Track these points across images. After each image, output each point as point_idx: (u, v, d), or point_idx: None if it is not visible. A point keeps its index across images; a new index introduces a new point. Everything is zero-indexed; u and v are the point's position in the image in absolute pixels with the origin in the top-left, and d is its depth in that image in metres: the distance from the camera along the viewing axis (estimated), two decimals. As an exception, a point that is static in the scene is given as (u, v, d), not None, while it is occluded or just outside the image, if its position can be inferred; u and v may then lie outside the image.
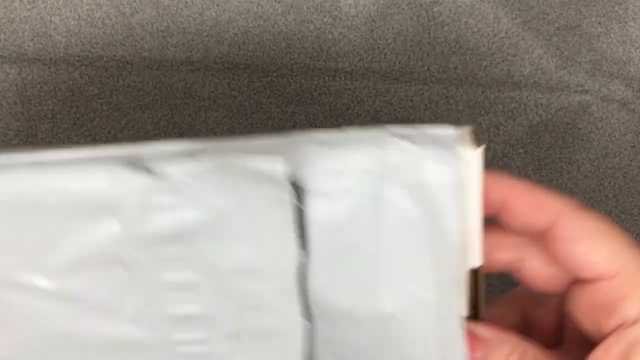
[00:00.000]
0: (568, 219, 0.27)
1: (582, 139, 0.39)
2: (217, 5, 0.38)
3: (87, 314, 0.25)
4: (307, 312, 0.26)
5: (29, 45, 0.38)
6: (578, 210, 0.28)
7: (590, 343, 0.29)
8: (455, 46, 0.38)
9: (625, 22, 0.39)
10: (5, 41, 0.38)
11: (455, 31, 0.38)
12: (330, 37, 0.38)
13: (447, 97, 0.38)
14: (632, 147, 0.39)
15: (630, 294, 0.28)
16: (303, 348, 0.26)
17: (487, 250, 0.26)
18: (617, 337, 0.29)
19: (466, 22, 0.38)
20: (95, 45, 0.37)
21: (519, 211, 0.28)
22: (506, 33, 0.38)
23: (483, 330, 0.30)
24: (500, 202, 0.27)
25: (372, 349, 0.26)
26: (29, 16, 0.38)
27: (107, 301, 0.25)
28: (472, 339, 0.30)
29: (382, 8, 0.38)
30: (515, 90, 0.38)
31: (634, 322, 0.28)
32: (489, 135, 0.38)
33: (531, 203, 0.27)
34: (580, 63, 0.38)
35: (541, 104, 0.38)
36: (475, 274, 0.26)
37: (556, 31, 0.38)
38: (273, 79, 0.38)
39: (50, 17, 0.38)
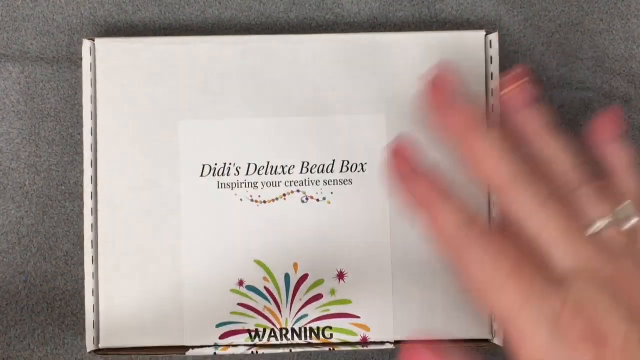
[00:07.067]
0: None
1: (584, 136, 0.38)
2: (220, 3, 0.38)
3: None
4: None
5: (31, 44, 0.38)
6: None
7: None
8: (457, 43, 0.38)
9: (628, 19, 0.38)
10: (8, 40, 0.38)
11: (457, 28, 0.38)
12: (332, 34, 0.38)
13: (449, 94, 0.38)
14: (634, 143, 0.39)
15: None
16: None
17: None
18: None
19: (468, 19, 0.38)
20: (97, 44, 0.38)
21: None
22: (508, 30, 0.38)
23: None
24: None
25: None
26: (32, 15, 0.38)
27: None
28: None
29: (384, 5, 0.38)
30: (518, 87, 0.38)
31: None
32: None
33: None
34: (582, 60, 0.38)
35: (543, 101, 0.38)
36: None
37: (558, 28, 0.38)
38: (275, 76, 0.38)
39: (53, 15, 0.38)
